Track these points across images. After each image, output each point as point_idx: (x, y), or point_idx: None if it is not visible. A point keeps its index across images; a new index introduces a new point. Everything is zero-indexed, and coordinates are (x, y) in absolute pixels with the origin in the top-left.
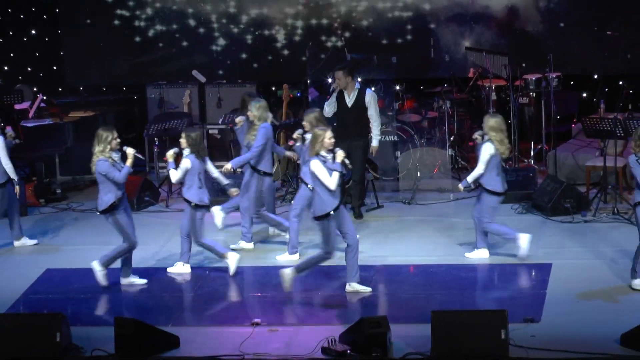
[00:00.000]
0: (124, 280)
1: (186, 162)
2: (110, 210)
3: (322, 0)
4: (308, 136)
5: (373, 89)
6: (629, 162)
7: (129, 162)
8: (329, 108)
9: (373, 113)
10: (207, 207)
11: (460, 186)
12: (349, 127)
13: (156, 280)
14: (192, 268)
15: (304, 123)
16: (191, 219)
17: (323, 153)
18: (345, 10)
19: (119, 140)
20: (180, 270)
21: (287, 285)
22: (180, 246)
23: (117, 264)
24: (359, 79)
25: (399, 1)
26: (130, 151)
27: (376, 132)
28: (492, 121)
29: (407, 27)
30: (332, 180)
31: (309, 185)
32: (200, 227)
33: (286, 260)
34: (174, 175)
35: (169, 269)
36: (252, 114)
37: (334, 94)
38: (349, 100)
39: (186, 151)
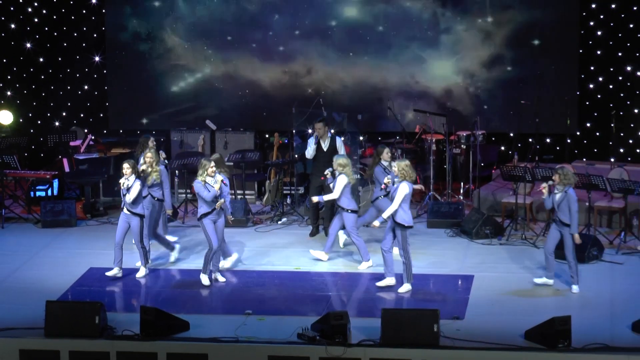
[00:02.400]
0: (201, 275)
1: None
2: (201, 218)
3: (301, 70)
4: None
5: (342, 138)
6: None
7: (216, 186)
8: (311, 151)
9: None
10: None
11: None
12: (324, 166)
13: (172, 278)
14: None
15: (394, 169)
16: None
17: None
18: (320, 77)
19: (214, 168)
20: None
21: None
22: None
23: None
24: (332, 130)
25: (360, 75)
26: (218, 178)
27: None
28: (341, 160)
29: (368, 95)
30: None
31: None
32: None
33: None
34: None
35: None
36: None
37: (314, 140)
38: (325, 145)
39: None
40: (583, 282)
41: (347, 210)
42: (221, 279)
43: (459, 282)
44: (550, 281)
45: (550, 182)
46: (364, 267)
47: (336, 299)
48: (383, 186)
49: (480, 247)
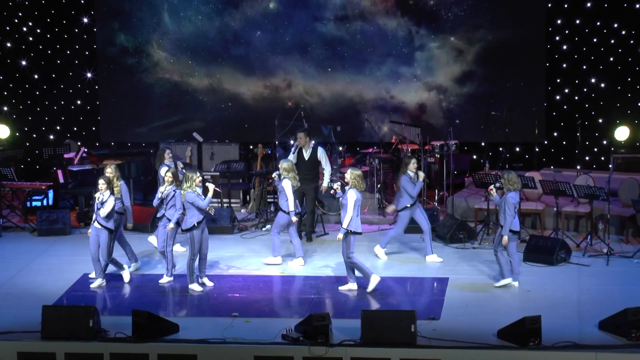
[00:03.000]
0: (191, 285)
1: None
2: (191, 229)
3: (281, 84)
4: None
5: (323, 149)
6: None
7: (210, 194)
8: (292, 159)
9: (325, 164)
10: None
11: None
12: (306, 174)
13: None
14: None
15: (347, 176)
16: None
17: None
18: (300, 91)
19: (201, 178)
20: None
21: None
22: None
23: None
24: (313, 141)
25: (338, 89)
26: (211, 186)
27: (327, 177)
28: (285, 164)
29: (345, 108)
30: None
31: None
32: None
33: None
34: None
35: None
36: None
37: (296, 150)
38: (306, 154)
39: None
40: (552, 284)
41: (281, 209)
42: (209, 283)
43: (435, 285)
44: (515, 283)
45: (498, 185)
46: (268, 261)
47: (318, 301)
48: (332, 191)
49: (455, 251)
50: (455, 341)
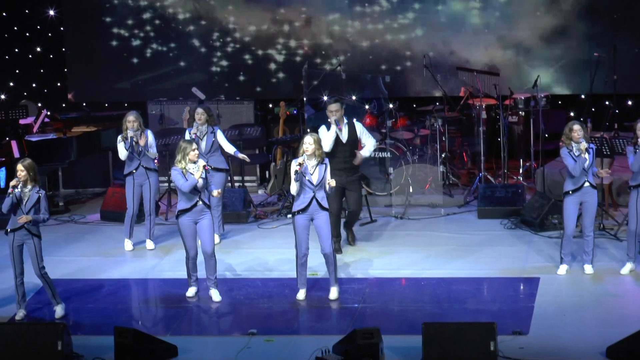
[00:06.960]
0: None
1: None
2: (178, 216)
3: (296, 19)
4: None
5: (367, 106)
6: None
7: (197, 174)
8: (330, 144)
9: (368, 138)
10: None
11: None
12: (345, 161)
13: (154, 291)
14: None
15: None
16: None
17: None
18: (321, 31)
19: (197, 152)
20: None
21: None
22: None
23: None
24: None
25: (375, 35)
26: (201, 163)
27: (370, 147)
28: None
29: (384, 62)
30: None
31: None
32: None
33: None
34: None
35: None
36: None
37: (334, 129)
38: (343, 136)
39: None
40: None
41: None
42: (216, 297)
43: (521, 287)
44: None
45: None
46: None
47: (364, 311)
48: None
49: (547, 242)
50: None
